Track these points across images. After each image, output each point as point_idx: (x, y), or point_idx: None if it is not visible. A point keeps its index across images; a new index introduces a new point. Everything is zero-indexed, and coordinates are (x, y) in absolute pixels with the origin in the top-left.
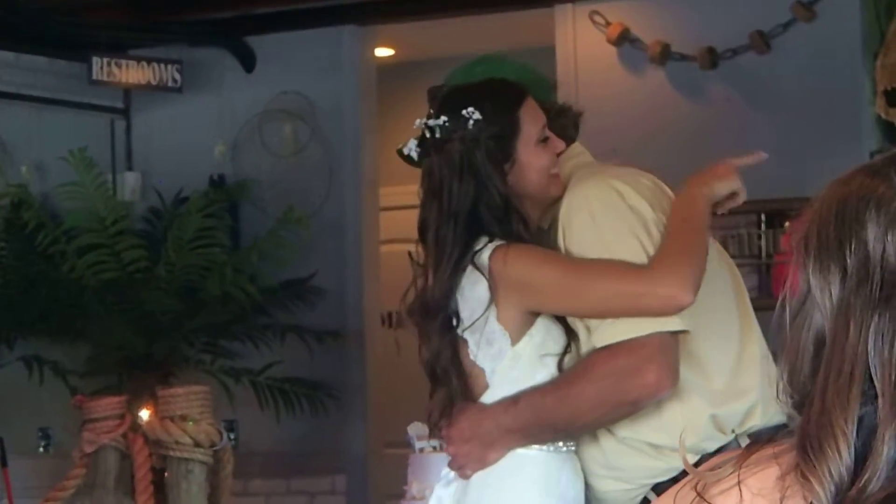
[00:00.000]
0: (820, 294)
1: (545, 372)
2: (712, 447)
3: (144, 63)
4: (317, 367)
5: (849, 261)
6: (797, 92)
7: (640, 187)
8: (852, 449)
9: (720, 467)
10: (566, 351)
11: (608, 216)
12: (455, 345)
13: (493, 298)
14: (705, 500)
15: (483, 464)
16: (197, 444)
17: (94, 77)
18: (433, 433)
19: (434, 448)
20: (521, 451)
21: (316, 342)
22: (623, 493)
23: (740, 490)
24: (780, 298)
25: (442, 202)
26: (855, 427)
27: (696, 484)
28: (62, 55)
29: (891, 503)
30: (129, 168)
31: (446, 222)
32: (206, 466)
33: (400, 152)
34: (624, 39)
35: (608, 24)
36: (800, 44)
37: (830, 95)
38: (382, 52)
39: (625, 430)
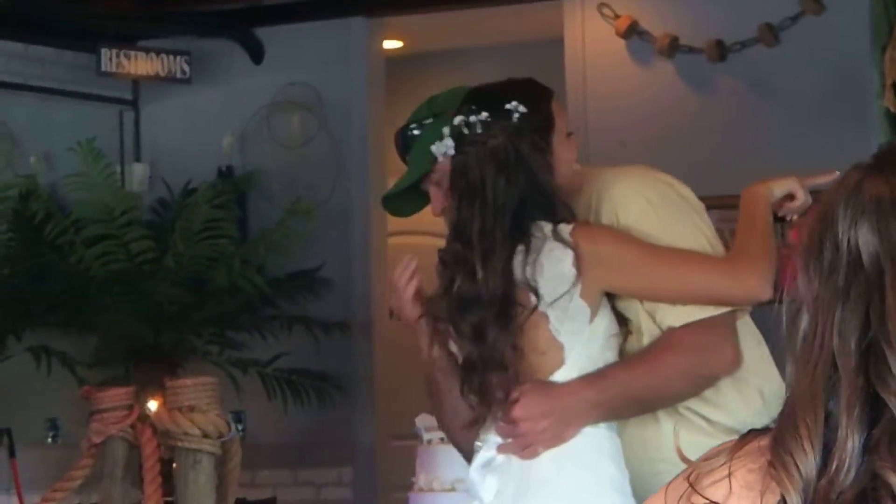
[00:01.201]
0: (805, 293)
1: (611, 353)
2: (760, 423)
3: (153, 54)
4: (324, 359)
5: (825, 256)
6: (805, 85)
7: (678, 180)
8: (819, 441)
9: (715, 458)
10: (628, 333)
11: (665, 203)
12: (514, 330)
13: (579, 274)
14: (696, 490)
15: (559, 441)
16: (205, 435)
17: (103, 68)
18: (491, 417)
19: (442, 440)
20: (589, 428)
21: (323, 333)
22: (667, 476)
23: (730, 482)
24: (778, 295)
25: (486, 198)
26: (822, 420)
27: (690, 475)
28: (71, 46)
29: (864, 500)
30: (138, 159)
31: (493, 217)
32: (214, 457)
33: (388, 201)
34: (632, 32)
35: (617, 16)
36: (808, 37)
37: (838, 89)
38: (391, 44)
39: (688, 402)
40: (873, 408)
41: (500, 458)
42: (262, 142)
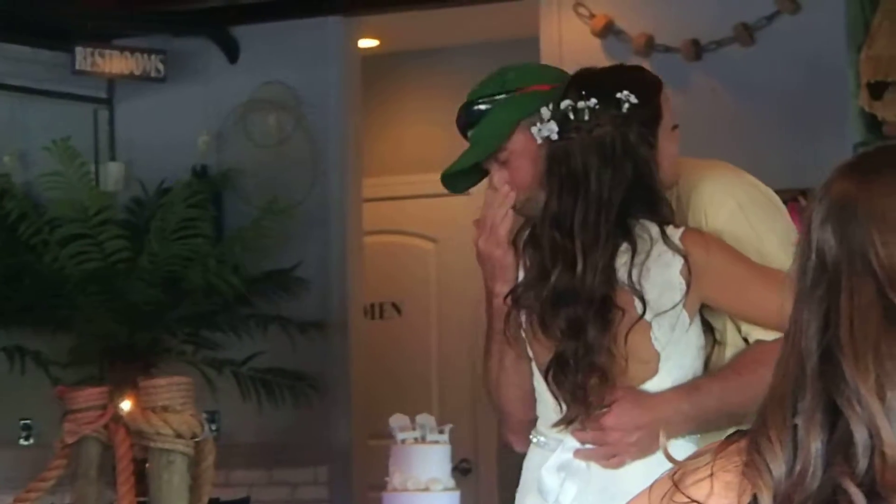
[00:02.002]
0: (793, 291)
1: (700, 364)
2: None
3: (128, 53)
4: (300, 358)
5: (802, 255)
6: (781, 84)
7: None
8: (788, 442)
9: (700, 457)
10: (714, 344)
11: (753, 206)
12: (613, 333)
13: (688, 284)
14: (679, 489)
15: (647, 453)
16: (178, 435)
17: (78, 67)
18: (575, 422)
19: (416, 440)
20: (674, 440)
21: (299, 333)
22: None
23: (711, 481)
24: None
25: (589, 189)
26: (790, 421)
27: (674, 474)
28: (46, 45)
29: None
30: (113, 158)
31: (596, 211)
32: (188, 457)
33: (445, 178)
34: (608, 31)
35: (592, 15)
36: (784, 36)
37: (814, 88)
38: (367, 42)
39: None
40: (833, 412)
41: (579, 462)
42: (238, 141)
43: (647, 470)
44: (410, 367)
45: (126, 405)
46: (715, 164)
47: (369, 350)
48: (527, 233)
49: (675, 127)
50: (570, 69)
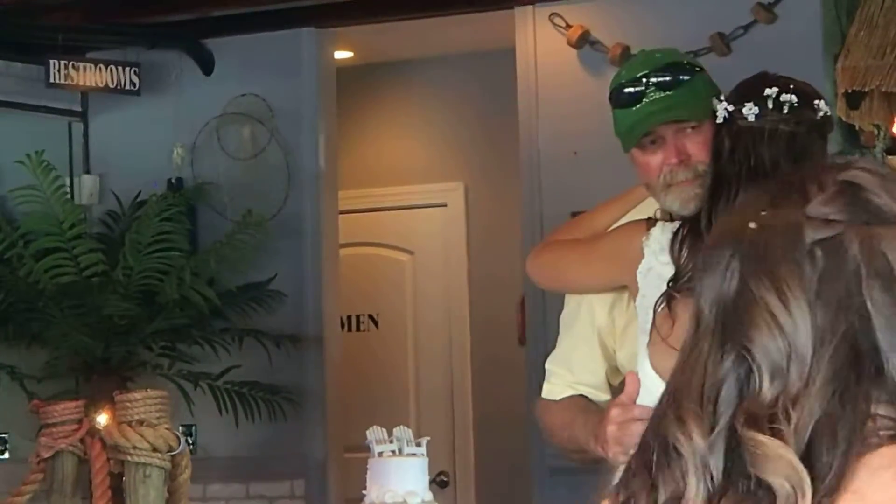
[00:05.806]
0: None
1: None
2: None
3: (102, 66)
4: (275, 372)
5: None
6: None
7: None
8: None
9: None
10: None
11: None
12: None
13: None
14: None
15: None
16: (154, 449)
17: (52, 80)
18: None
19: (393, 452)
20: None
21: (274, 346)
22: None
23: None
24: None
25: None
26: None
27: None
28: (18, 58)
29: None
30: (87, 171)
31: None
32: (164, 471)
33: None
34: (584, 41)
35: (568, 26)
36: (760, 46)
37: None
38: (341, 54)
39: None
40: None
41: None
42: (213, 153)
43: None
44: (387, 380)
45: (102, 419)
46: None
47: (346, 362)
48: (685, 229)
49: None
50: (545, 80)
